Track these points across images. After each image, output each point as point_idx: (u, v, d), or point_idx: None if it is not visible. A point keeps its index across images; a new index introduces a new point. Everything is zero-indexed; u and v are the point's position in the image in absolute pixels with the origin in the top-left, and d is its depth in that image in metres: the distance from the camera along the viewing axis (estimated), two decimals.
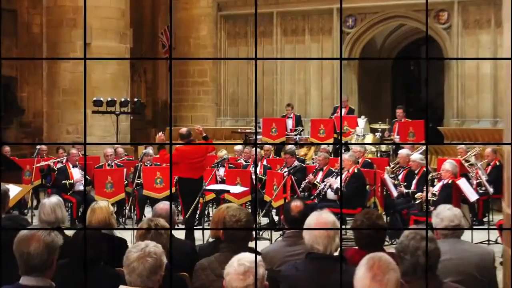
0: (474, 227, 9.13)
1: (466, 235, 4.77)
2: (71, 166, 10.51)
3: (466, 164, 10.01)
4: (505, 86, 3.29)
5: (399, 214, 8.90)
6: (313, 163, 11.18)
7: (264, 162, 10.83)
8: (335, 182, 9.13)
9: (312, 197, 9.41)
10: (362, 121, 13.01)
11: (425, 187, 8.51)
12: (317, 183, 9.57)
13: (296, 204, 4.14)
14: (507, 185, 3.35)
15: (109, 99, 13.48)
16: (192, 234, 8.37)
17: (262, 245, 5.52)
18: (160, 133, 9.41)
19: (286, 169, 9.73)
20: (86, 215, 4.82)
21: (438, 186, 8.43)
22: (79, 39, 14.13)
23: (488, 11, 15.53)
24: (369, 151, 11.85)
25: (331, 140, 13.10)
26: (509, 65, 3.11)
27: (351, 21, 17.10)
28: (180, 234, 7.52)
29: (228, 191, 9.20)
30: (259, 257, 2.78)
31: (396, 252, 3.19)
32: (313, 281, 3.42)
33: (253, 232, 4.16)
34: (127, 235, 7.60)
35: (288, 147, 11.14)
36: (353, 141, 12.35)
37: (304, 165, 10.54)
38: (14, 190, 7.08)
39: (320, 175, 9.73)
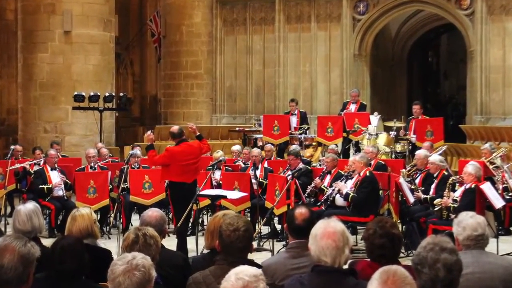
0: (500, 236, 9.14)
1: (491, 246, 4.78)
2: (49, 168, 10.50)
3: (491, 167, 10.00)
4: None
5: (416, 222, 8.89)
6: (320, 165, 11.19)
7: (265, 164, 10.82)
8: (345, 187, 9.13)
9: (319, 203, 9.41)
10: (375, 119, 12.99)
11: (445, 193, 8.50)
12: (324, 188, 9.57)
13: (301, 211, 4.14)
14: None
15: (91, 93, 13.46)
16: (185, 244, 8.37)
17: (263, 257, 5.53)
18: (149, 132, 9.40)
19: (289, 172, 9.72)
20: (65, 223, 4.83)
21: (459, 191, 8.42)
22: (58, 26, 14.11)
23: None
24: (383, 152, 11.84)
25: (340, 140, 13.10)
26: None
27: (363, 7, 17.10)
28: (171, 245, 7.51)
29: (224, 197, 9.19)
30: (259, 271, 2.77)
31: (412, 265, 3.19)
32: None
33: (253, 243, 4.17)
34: (112, 246, 7.62)
35: (292, 147, 11.13)
36: (365, 141, 12.34)
37: (310, 168, 10.54)
38: None
39: (327, 178, 9.73)
